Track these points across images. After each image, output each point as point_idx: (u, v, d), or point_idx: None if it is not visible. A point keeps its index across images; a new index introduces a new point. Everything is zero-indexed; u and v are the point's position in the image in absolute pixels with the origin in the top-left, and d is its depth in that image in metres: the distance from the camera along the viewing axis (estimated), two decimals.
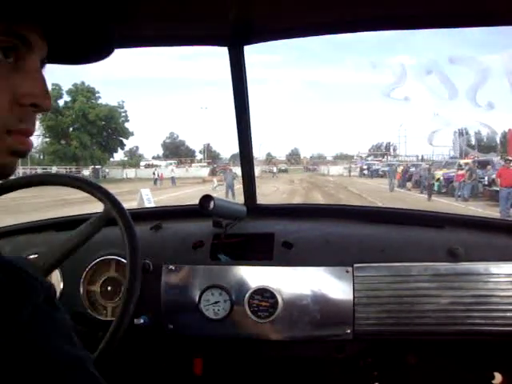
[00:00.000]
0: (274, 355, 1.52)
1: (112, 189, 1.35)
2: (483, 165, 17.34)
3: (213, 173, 32.09)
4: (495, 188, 13.95)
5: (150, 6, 1.13)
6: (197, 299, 1.38)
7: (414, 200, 16.91)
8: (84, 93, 35.64)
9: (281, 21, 1.28)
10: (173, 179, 29.11)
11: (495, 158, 18.57)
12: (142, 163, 48.65)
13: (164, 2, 1.11)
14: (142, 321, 1.37)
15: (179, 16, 1.21)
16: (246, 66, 1.46)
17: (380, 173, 32.29)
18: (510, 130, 23.36)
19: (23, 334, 0.42)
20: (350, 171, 37.77)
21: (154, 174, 30.71)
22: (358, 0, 1.15)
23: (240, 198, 1.79)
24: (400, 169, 24.51)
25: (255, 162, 1.77)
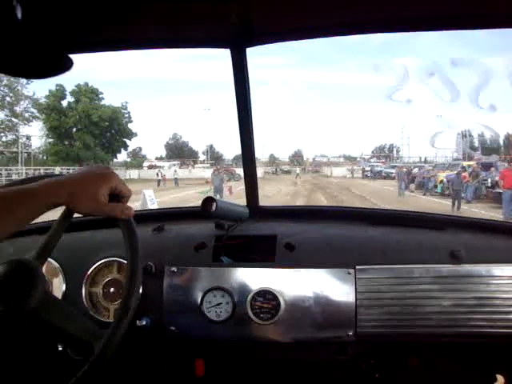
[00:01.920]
0: (276, 357, 1.52)
1: None
2: (486, 167, 17.29)
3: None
4: (498, 190, 13.91)
5: (153, 8, 1.14)
6: (199, 301, 1.38)
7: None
8: (87, 94, 35.71)
9: (282, 23, 1.28)
10: (175, 180, 29.18)
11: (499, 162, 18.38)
12: (145, 164, 48.64)
13: (167, 5, 1.12)
14: (144, 322, 1.37)
15: (182, 18, 1.21)
16: (249, 67, 1.46)
17: (383, 174, 32.26)
18: None
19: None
20: (352, 173, 37.70)
21: (157, 174, 30.78)
22: (359, 2, 1.15)
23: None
24: (403, 170, 24.38)
25: (258, 164, 1.77)
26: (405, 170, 24.43)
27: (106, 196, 0.86)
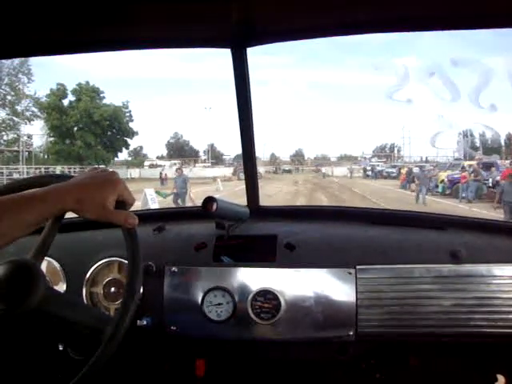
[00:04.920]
0: (277, 357, 1.52)
1: None
2: (487, 166, 17.23)
3: (235, 173, 31.95)
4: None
5: (153, 8, 1.14)
6: (199, 301, 1.38)
7: None
8: (88, 93, 35.58)
9: (283, 23, 1.28)
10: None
11: (499, 161, 18.19)
12: (146, 163, 48.55)
13: (167, 5, 1.12)
14: (144, 322, 1.37)
15: (182, 18, 1.21)
16: (249, 67, 1.46)
17: (384, 174, 32.22)
18: None
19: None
20: (351, 172, 37.53)
21: (161, 173, 30.74)
22: (359, 2, 1.15)
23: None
24: (404, 170, 24.28)
25: (258, 163, 1.77)
26: (406, 169, 24.19)
27: (112, 203, 0.86)
